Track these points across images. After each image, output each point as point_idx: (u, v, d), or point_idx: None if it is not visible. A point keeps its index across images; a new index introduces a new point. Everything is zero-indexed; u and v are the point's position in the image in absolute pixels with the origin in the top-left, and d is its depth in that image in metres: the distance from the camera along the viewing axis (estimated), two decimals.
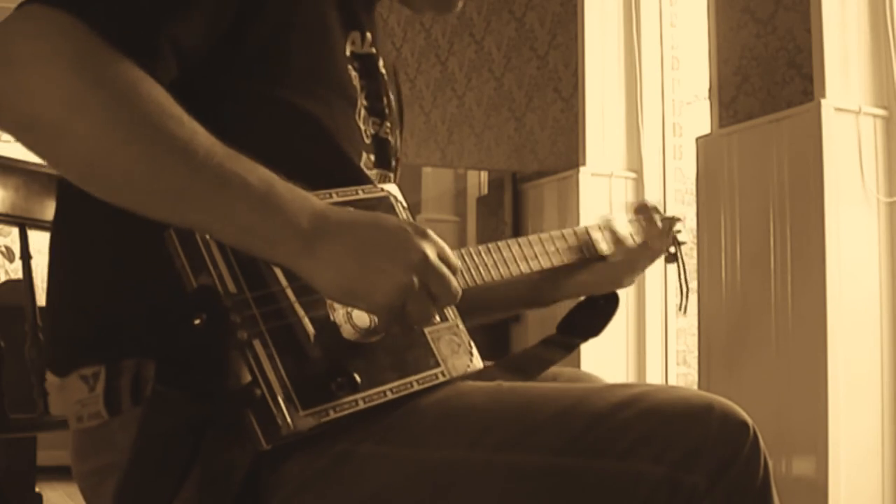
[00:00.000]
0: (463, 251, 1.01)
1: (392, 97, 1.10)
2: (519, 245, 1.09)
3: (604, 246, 1.21)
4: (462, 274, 0.98)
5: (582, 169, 3.33)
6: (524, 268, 1.08)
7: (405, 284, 0.79)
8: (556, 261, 1.14)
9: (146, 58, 0.78)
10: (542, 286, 1.23)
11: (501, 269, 1.05)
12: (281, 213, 0.78)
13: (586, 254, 1.19)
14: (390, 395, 0.84)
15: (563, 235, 1.17)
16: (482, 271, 1.02)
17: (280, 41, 0.91)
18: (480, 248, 1.03)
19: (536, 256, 1.11)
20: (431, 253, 0.81)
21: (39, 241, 1.52)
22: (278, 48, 0.91)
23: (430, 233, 0.83)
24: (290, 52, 0.92)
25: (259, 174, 0.78)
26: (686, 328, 3.41)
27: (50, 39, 0.75)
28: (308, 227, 0.78)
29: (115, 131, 0.74)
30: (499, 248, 1.06)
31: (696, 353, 2.88)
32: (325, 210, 0.81)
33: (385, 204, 0.96)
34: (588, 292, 1.23)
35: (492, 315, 1.26)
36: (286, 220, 0.78)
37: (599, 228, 1.22)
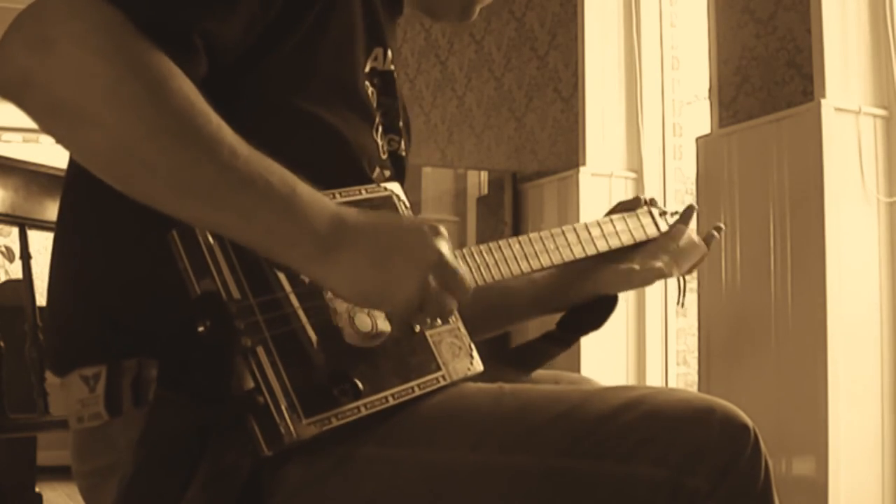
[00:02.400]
0: (465, 251, 1.01)
1: (404, 115, 1.10)
2: (520, 243, 1.09)
3: (600, 243, 1.20)
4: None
5: (582, 169, 3.33)
6: (525, 266, 1.07)
7: (424, 285, 0.79)
8: (556, 259, 1.13)
9: (179, 51, 0.78)
10: (555, 290, 1.20)
11: (503, 268, 1.04)
12: (301, 217, 0.77)
13: (585, 251, 1.17)
14: (392, 401, 0.84)
15: (563, 232, 1.16)
16: (483, 271, 1.02)
17: (309, 52, 0.91)
18: (482, 247, 1.03)
19: (537, 255, 1.10)
20: (447, 251, 0.81)
21: (39, 241, 1.52)
22: (306, 59, 0.91)
23: (443, 230, 0.83)
24: (317, 63, 0.92)
25: (281, 175, 0.78)
26: (686, 328, 3.41)
27: (86, 24, 0.74)
28: (326, 232, 0.78)
29: (143, 122, 0.74)
30: (503, 246, 1.06)
31: (696, 353, 2.88)
32: (343, 214, 0.80)
33: (388, 203, 0.96)
34: (598, 292, 1.20)
35: (510, 325, 1.25)
36: (306, 224, 0.77)
37: (591, 226, 1.20)
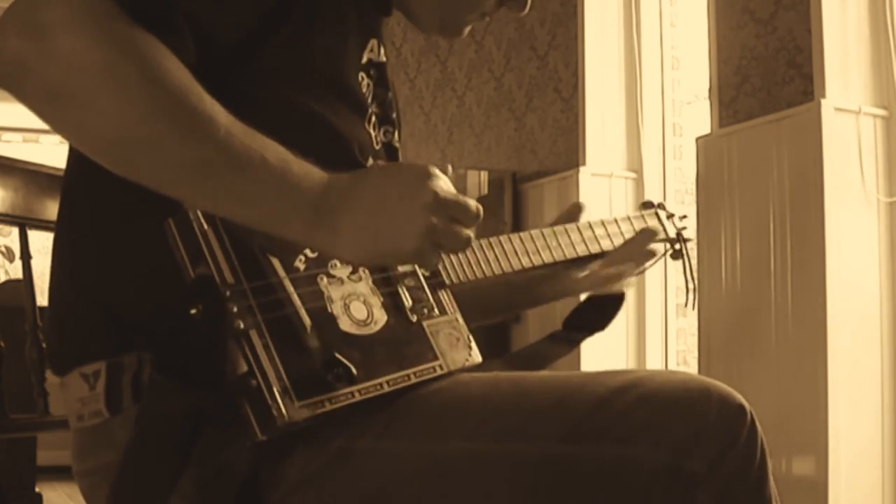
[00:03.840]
0: None
1: (397, 106, 1.10)
2: (521, 239, 1.08)
3: (604, 243, 1.20)
4: (464, 268, 0.98)
5: (582, 169, 3.33)
6: (525, 262, 1.07)
7: (427, 226, 0.79)
8: (558, 255, 1.13)
9: (166, 34, 0.78)
10: (537, 285, 1.21)
11: (503, 263, 1.04)
12: (297, 189, 0.78)
13: (588, 249, 1.18)
14: (386, 388, 0.84)
15: (566, 230, 1.15)
16: (483, 266, 1.01)
17: (300, 45, 0.91)
18: (482, 242, 1.03)
19: (539, 251, 1.10)
20: (441, 186, 0.80)
21: (39, 241, 1.52)
22: (298, 52, 0.91)
23: (433, 168, 0.82)
24: (308, 56, 0.92)
25: (275, 151, 0.78)
26: (686, 328, 3.41)
27: (75, 9, 0.74)
28: (320, 200, 0.78)
29: (139, 104, 0.74)
30: (501, 241, 1.06)
31: (696, 353, 2.88)
32: (332, 179, 0.80)
33: None
34: (580, 291, 1.21)
35: (491, 318, 1.25)
36: (301, 196, 0.78)
37: (595, 225, 1.21)
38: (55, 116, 0.76)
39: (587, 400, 0.82)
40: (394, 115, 1.08)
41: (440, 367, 0.90)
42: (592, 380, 0.85)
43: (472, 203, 0.82)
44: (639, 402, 0.81)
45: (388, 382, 0.84)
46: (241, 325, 0.77)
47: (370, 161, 1.00)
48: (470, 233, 0.82)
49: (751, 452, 0.82)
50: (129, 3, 0.77)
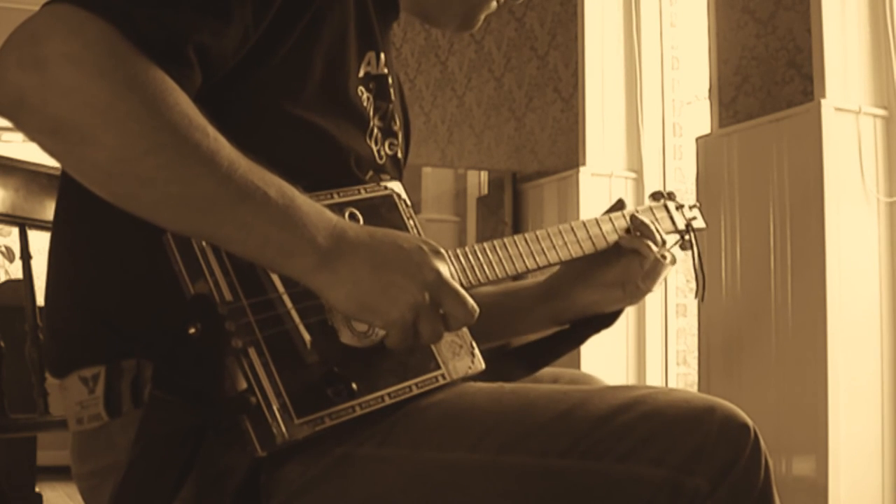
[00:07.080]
0: (467, 249, 1.00)
1: (401, 117, 1.10)
2: (526, 240, 1.06)
3: (611, 238, 1.15)
4: (467, 272, 0.97)
5: (582, 169, 3.33)
6: (531, 263, 1.05)
7: (418, 301, 0.79)
8: (564, 255, 1.09)
9: (174, 66, 0.78)
10: (547, 304, 1.17)
11: (507, 266, 1.02)
12: (299, 228, 0.78)
13: (595, 246, 1.13)
14: (388, 401, 0.84)
15: (572, 228, 1.12)
16: (486, 269, 1.00)
17: (301, 60, 0.91)
18: (486, 245, 1.01)
19: (544, 251, 1.07)
20: (446, 272, 0.82)
21: (39, 241, 1.52)
22: (298, 67, 0.91)
23: (443, 251, 0.84)
24: (309, 71, 0.92)
25: (280, 187, 0.78)
26: (686, 328, 3.41)
27: (80, 41, 0.73)
28: (325, 243, 0.78)
29: (141, 139, 0.74)
30: (504, 244, 1.04)
31: (696, 354, 2.88)
32: (344, 226, 0.81)
33: (388, 202, 0.96)
34: (599, 309, 1.17)
35: (509, 338, 1.23)
36: (304, 235, 0.78)
37: (602, 222, 1.16)
38: (56, 149, 0.75)
39: (590, 416, 0.82)
40: (395, 127, 1.07)
41: (443, 376, 0.90)
42: (596, 395, 0.85)
43: (471, 302, 0.82)
44: (641, 419, 0.81)
45: (389, 395, 0.85)
46: (239, 344, 0.77)
47: (370, 174, 1.00)
48: (444, 334, 0.83)
49: (754, 470, 0.82)
50: (138, 35, 0.76)
